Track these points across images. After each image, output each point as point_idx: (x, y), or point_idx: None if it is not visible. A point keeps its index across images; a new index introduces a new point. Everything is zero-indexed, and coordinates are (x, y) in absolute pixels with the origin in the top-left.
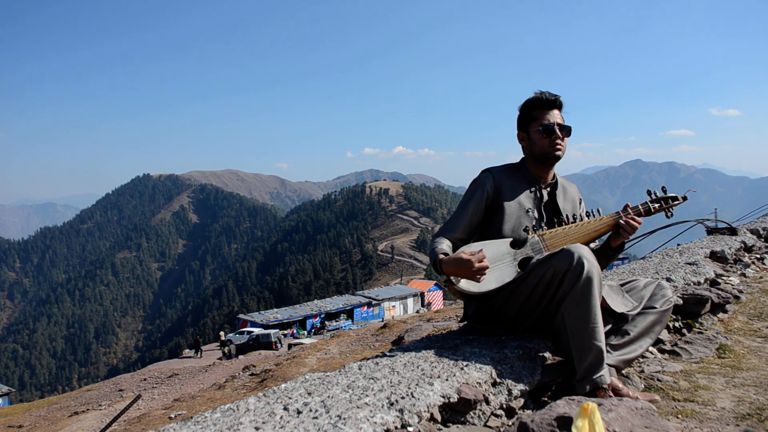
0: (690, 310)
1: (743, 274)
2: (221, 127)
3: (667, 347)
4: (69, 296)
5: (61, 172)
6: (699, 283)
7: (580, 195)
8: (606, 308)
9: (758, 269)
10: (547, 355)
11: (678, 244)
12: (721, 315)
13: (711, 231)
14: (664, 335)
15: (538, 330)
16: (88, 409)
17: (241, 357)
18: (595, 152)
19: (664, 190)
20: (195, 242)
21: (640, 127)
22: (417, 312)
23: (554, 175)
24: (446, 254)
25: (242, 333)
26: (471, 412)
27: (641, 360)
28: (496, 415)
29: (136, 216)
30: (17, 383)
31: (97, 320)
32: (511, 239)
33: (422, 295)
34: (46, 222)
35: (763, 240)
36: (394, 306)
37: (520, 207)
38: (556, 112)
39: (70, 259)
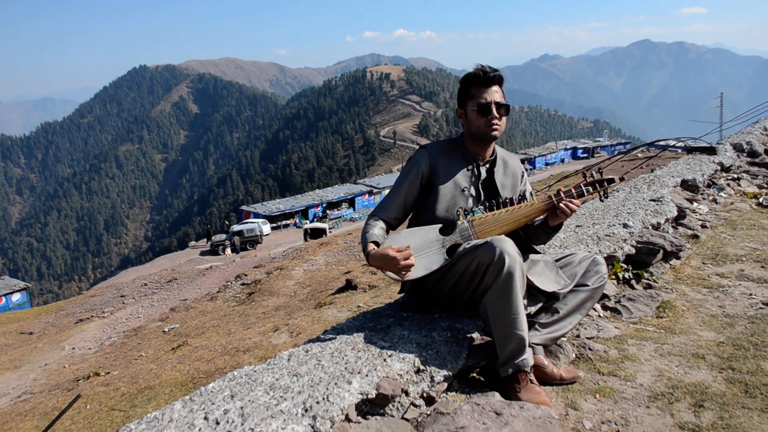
0: (641, 259)
1: (715, 200)
2: (216, 14)
3: (611, 303)
4: (76, 190)
5: (56, 66)
6: (658, 225)
7: (522, 168)
8: (536, 288)
9: (732, 192)
10: (475, 335)
11: (652, 170)
12: (674, 261)
13: (690, 150)
14: (611, 289)
15: (469, 310)
16: (91, 317)
17: (242, 253)
18: (601, 32)
19: (599, 171)
20: (197, 132)
21: (651, 5)
22: None
23: (494, 151)
24: (377, 243)
25: (245, 224)
26: (390, 405)
27: (578, 324)
28: (415, 405)
29: (136, 108)
30: (36, 274)
31: (106, 212)
32: (440, 225)
33: None
34: (45, 117)
35: (746, 155)
36: None
37: (455, 186)
38: (495, 88)
39: (73, 154)
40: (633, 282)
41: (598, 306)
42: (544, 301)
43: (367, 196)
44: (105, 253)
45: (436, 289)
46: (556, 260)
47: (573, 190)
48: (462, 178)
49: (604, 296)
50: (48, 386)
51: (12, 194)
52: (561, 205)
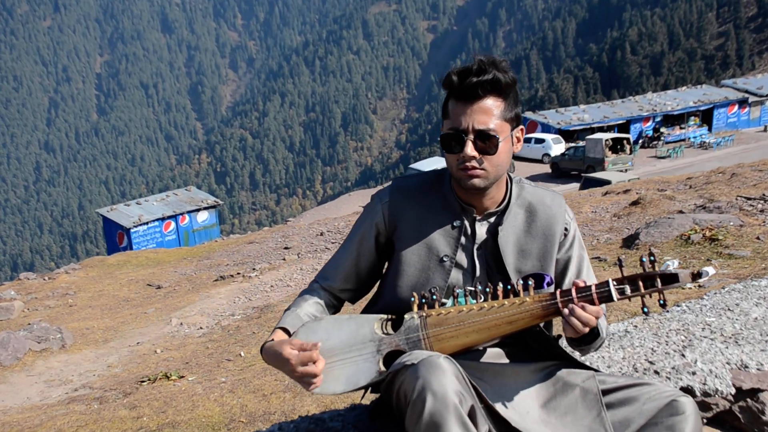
0: None
1: None
2: None
3: None
4: (307, 67)
5: None
6: None
7: (567, 218)
8: None
9: None
10: None
11: None
12: None
13: None
14: None
15: None
16: (236, 274)
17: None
18: None
19: (651, 258)
20: None
21: None
22: None
23: (506, 196)
24: (288, 331)
25: (527, 141)
26: None
27: None
28: None
29: None
30: (248, 181)
31: (345, 103)
32: (382, 317)
33: None
34: None
35: None
36: None
37: (429, 253)
38: (481, 105)
39: (306, 15)
40: None
41: None
42: None
43: (735, 107)
44: (340, 161)
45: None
46: (607, 390)
47: (594, 292)
48: (441, 239)
49: None
50: (110, 382)
51: (224, 68)
52: (564, 310)
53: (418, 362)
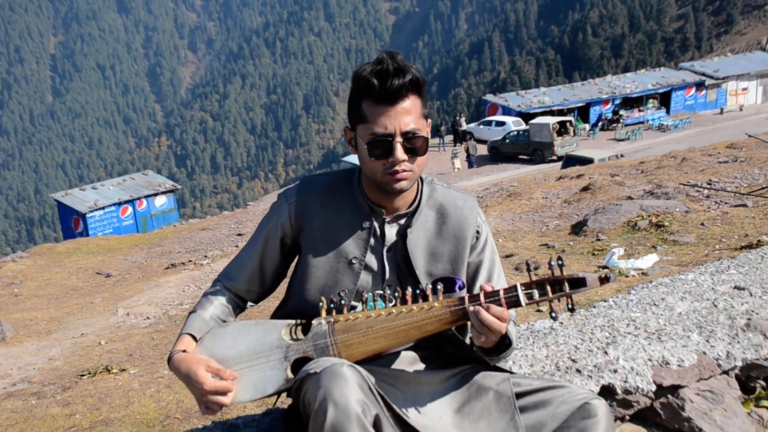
0: None
1: None
2: None
3: None
4: (268, 49)
5: None
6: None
7: (479, 221)
8: None
9: None
10: None
11: None
12: None
13: None
14: None
15: None
16: (187, 262)
17: (477, 167)
18: None
19: (559, 262)
20: None
21: None
22: None
23: (416, 196)
24: (195, 337)
25: (488, 123)
26: None
27: None
28: None
29: None
30: (209, 163)
31: (307, 85)
32: (289, 322)
33: None
34: None
35: None
36: (746, 89)
37: (337, 255)
38: (405, 106)
39: None
40: None
41: None
42: None
43: (693, 89)
44: (302, 144)
45: None
46: (521, 393)
47: (502, 295)
48: (350, 241)
49: None
50: (50, 376)
51: (183, 49)
52: (470, 308)
53: (321, 371)
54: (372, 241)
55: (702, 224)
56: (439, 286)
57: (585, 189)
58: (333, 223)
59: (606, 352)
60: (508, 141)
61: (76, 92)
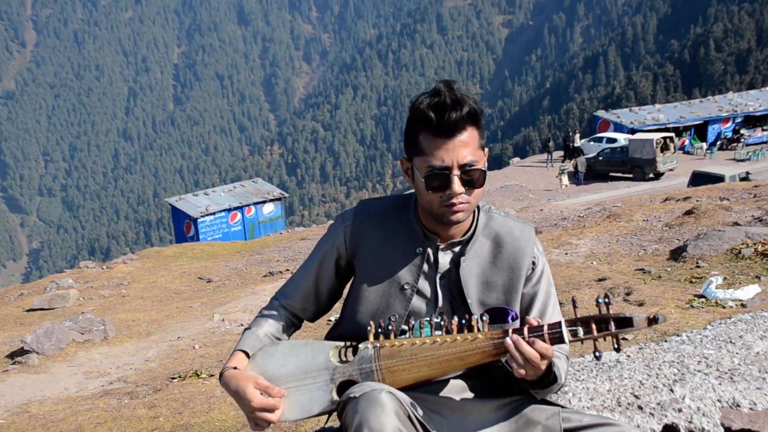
0: None
1: None
2: None
3: None
4: (380, 61)
5: None
6: None
7: (536, 251)
8: None
9: None
10: None
11: None
12: None
13: None
14: None
15: None
16: (284, 270)
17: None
18: None
19: (606, 300)
20: None
21: None
22: None
23: (472, 223)
24: (248, 354)
25: (599, 140)
26: None
27: None
28: None
29: None
30: (319, 173)
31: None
32: (340, 344)
33: None
34: None
35: None
36: None
37: (390, 280)
38: (462, 138)
39: (380, 8)
40: None
41: None
42: None
43: None
44: None
45: None
46: (571, 429)
47: (546, 331)
48: (403, 266)
49: None
50: (145, 377)
51: (298, 60)
52: (507, 340)
53: (359, 396)
54: (425, 267)
55: None
56: (485, 317)
57: (688, 213)
58: (387, 248)
59: (672, 390)
60: (601, 158)
61: (196, 100)
